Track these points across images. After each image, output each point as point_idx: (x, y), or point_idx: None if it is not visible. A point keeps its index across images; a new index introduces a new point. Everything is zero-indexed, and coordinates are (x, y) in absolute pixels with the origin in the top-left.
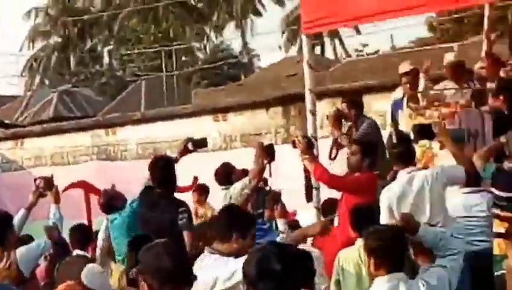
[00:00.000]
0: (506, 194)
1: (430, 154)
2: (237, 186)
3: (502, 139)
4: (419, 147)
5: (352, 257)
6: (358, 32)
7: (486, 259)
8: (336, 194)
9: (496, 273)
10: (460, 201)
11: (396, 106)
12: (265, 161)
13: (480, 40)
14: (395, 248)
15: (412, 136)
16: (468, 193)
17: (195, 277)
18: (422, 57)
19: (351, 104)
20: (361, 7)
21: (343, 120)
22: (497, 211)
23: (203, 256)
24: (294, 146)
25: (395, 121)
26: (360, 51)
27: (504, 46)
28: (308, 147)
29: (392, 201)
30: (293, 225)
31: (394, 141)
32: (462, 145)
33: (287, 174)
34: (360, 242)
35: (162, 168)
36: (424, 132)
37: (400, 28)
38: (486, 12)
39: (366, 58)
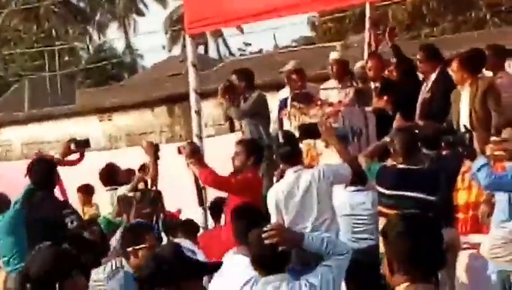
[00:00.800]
0: (390, 192)
1: (315, 153)
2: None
3: (386, 138)
4: (304, 146)
5: None
6: (241, 31)
7: (372, 256)
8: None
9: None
10: (346, 199)
11: (282, 105)
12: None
13: (361, 39)
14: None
15: (297, 135)
16: (354, 191)
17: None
18: (305, 55)
19: (241, 75)
20: (245, 7)
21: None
22: (381, 209)
23: None
24: (180, 152)
25: (280, 121)
26: (244, 50)
27: (387, 46)
28: (193, 152)
29: (279, 200)
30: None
31: (280, 140)
32: (346, 143)
33: (172, 174)
34: None
35: (41, 170)
36: (310, 131)
37: (283, 27)
38: (368, 12)
39: (250, 57)
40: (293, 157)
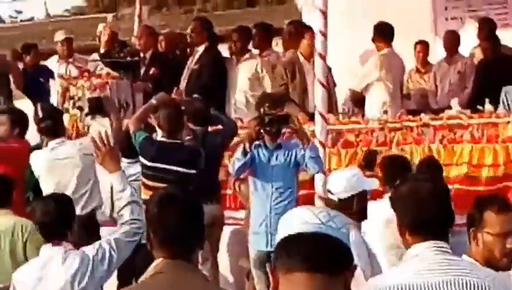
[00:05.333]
0: (151, 164)
1: (81, 125)
2: None
3: (152, 100)
4: (70, 117)
5: None
6: None
7: None
8: None
9: None
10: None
11: (45, 74)
12: None
13: (133, 11)
14: None
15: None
16: (127, 163)
17: None
18: (77, 25)
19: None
20: None
21: None
22: (144, 180)
23: None
24: None
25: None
26: (15, 17)
27: (158, 18)
28: None
29: (42, 168)
30: None
31: (39, 114)
32: (116, 111)
33: None
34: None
35: None
36: (98, 104)
37: None
38: None
39: (21, 25)
40: (55, 131)
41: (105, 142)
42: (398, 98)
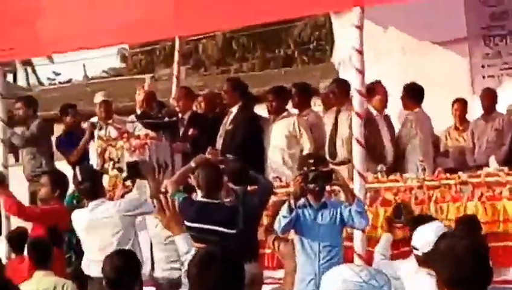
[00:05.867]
0: (191, 224)
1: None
2: None
3: (191, 163)
4: (111, 178)
5: None
6: (51, 61)
7: None
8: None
9: None
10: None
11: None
12: None
13: (171, 72)
14: None
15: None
16: None
17: None
18: (115, 87)
19: (26, 103)
20: (54, 38)
21: None
22: None
23: None
24: None
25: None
26: (53, 79)
27: (195, 79)
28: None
29: (83, 228)
30: None
31: (78, 177)
32: (153, 175)
33: None
34: None
35: None
36: (135, 168)
37: (93, 58)
38: (177, 45)
39: (59, 87)
40: (94, 192)
41: (169, 206)
42: (431, 157)
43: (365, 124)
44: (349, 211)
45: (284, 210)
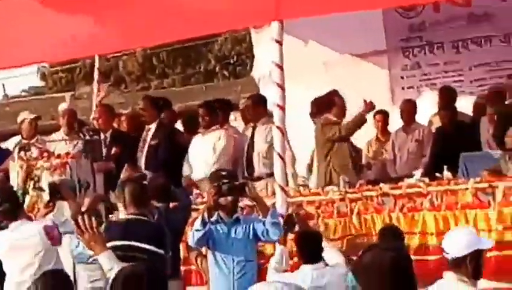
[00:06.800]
0: (117, 243)
1: (41, 205)
2: None
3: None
4: (31, 198)
5: None
6: None
7: None
8: None
9: None
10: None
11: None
12: None
13: (91, 90)
14: None
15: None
16: None
17: None
18: (35, 106)
19: None
20: None
21: None
22: None
23: None
24: None
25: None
26: None
27: (116, 96)
28: None
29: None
30: None
31: None
32: (74, 194)
33: None
34: None
35: None
36: (55, 189)
37: (12, 76)
38: (97, 63)
39: None
40: (13, 213)
41: (88, 227)
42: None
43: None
44: (263, 223)
45: (197, 224)
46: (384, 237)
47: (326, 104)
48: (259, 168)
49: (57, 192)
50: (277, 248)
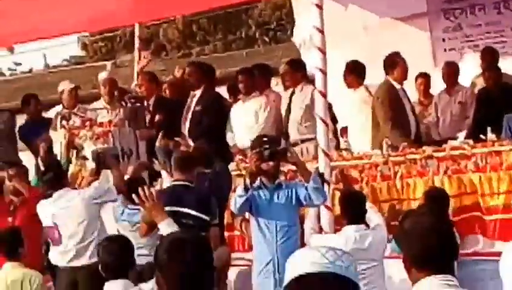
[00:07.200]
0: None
1: (86, 173)
2: None
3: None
4: (75, 167)
5: None
6: (11, 51)
7: None
8: None
9: None
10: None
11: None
12: None
13: (132, 58)
14: None
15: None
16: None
17: None
18: (76, 75)
19: None
20: (14, 28)
21: None
22: None
23: None
24: None
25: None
26: (14, 70)
27: (157, 63)
28: None
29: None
30: None
31: (41, 167)
32: (117, 162)
33: None
34: None
35: None
36: (98, 158)
37: (53, 46)
38: (137, 31)
39: (20, 77)
40: (58, 182)
41: (149, 197)
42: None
43: (389, 98)
44: (306, 188)
45: (239, 189)
46: (429, 201)
47: (389, 65)
48: (293, 134)
49: (100, 161)
50: (310, 210)
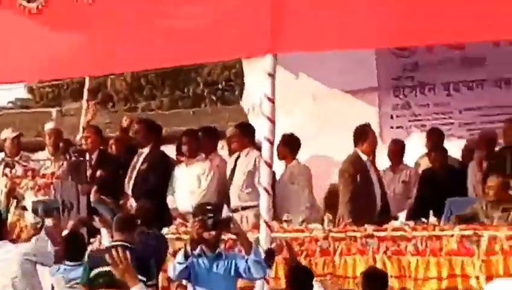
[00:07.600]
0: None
1: (24, 224)
2: None
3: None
4: (14, 216)
5: None
6: None
7: None
8: None
9: None
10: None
11: None
12: None
13: (79, 106)
14: None
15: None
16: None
17: None
18: (22, 119)
19: None
20: None
21: None
22: None
23: None
24: None
25: None
26: None
27: (103, 116)
28: None
29: None
30: None
31: None
32: (57, 215)
33: None
34: None
35: None
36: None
37: None
38: (87, 84)
39: None
40: None
41: (122, 258)
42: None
43: (353, 170)
44: (246, 261)
45: (179, 256)
46: (367, 280)
47: (359, 136)
48: (234, 200)
49: (39, 212)
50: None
